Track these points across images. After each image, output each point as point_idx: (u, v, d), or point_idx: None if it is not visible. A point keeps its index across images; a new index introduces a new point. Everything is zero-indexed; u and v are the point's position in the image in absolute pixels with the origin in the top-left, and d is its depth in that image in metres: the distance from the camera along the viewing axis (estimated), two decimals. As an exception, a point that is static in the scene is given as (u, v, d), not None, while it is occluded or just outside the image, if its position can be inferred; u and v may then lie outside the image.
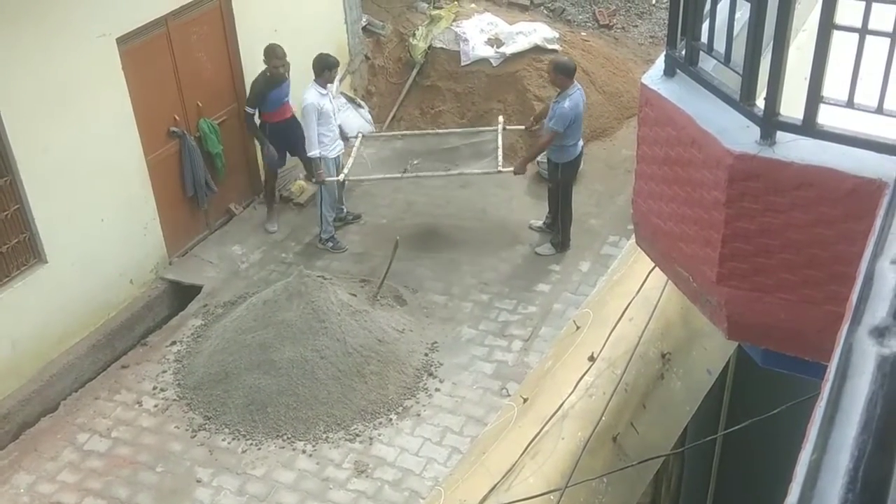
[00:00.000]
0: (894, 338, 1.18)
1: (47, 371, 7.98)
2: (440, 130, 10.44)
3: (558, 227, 9.23)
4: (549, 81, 9.15)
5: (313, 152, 9.05)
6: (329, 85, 9.14)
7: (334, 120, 9.23)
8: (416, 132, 10.55)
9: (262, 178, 9.96)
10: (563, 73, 8.60)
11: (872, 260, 1.36)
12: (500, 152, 9.35)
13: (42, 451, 7.47)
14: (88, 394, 8.02)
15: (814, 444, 1.13)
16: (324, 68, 8.97)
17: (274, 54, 9.10)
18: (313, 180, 9.49)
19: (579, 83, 8.86)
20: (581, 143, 9.03)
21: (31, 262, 7.84)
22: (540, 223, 9.54)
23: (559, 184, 9.04)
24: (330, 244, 9.47)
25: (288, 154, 9.69)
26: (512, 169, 9.15)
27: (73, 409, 7.87)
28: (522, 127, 9.84)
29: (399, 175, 9.52)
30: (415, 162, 9.64)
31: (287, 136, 9.43)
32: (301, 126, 9.14)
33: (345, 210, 9.85)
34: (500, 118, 10.03)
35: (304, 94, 8.98)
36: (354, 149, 9.82)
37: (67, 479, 7.23)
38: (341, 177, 9.39)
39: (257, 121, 9.42)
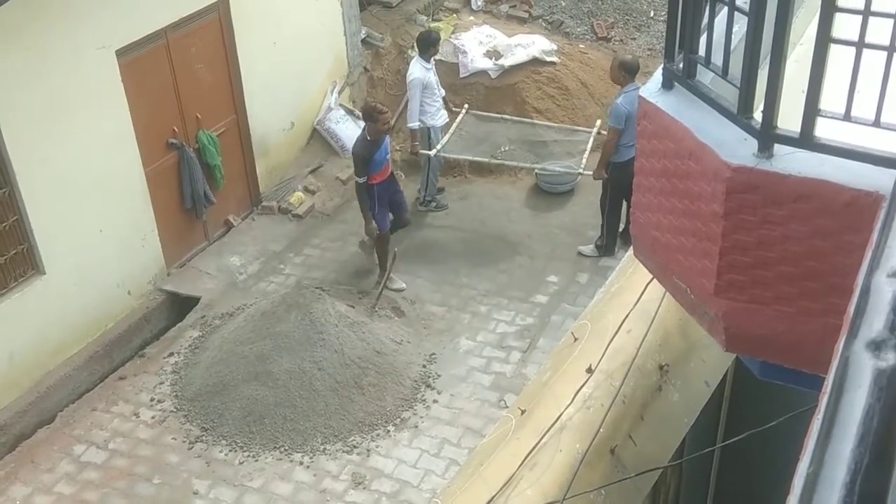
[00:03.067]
0: (891, 351, 1.19)
1: (44, 382, 7.97)
2: (541, 122, 10.54)
3: (603, 230, 9.20)
4: (611, 77, 9.09)
5: (413, 123, 9.60)
6: (433, 59, 9.69)
7: (438, 91, 9.75)
8: (519, 119, 10.60)
9: (375, 250, 9.16)
10: (625, 70, 8.64)
11: (869, 273, 1.37)
12: (586, 154, 9.41)
13: (39, 463, 7.45)
14: (86, 405, 8.00)
15: (811, 457, 1.13)
16: (429, 45, 9.58)
17: (375, 113, 8.51)
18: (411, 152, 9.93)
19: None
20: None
21: (29, 274, 7.84)
22: (590, 248, 9.41)
23: (607, 185, 8.95)
24: (433, 204, 10.01)
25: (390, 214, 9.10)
26: (591, 173, 9.18)
27: (70, 420, 7.85)
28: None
29: (488, 159, 9.87)
30: (504, 149, 9.89)
31: (392, 192, 9.02)
32: (398, 182, 9.27)
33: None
34: (598, 121, 10.01)
35: (410, 69, 9.68)
36: (455, 124, 10.06)
37: (64, 491, 7.20)
38: (433, 152, 9.71)
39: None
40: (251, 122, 9.90)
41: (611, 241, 9.24)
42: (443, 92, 9.99)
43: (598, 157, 9.06)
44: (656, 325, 4.47)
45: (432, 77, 9.67)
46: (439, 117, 9.85)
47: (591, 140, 9.58)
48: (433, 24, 11.64)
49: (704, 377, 4.75)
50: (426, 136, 9.76)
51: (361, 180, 8.64)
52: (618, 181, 8.74)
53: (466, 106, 10.33)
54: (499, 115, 10.62)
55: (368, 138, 8.55)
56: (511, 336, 8.48)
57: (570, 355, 4.61)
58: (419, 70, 9.57)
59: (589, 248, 9.35)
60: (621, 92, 8.70)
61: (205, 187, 9.30)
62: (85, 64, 7.86)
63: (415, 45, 9.74)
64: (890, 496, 1.02)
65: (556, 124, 10.42)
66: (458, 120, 10.08)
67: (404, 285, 9.05)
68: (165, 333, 8.81)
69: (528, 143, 9.76)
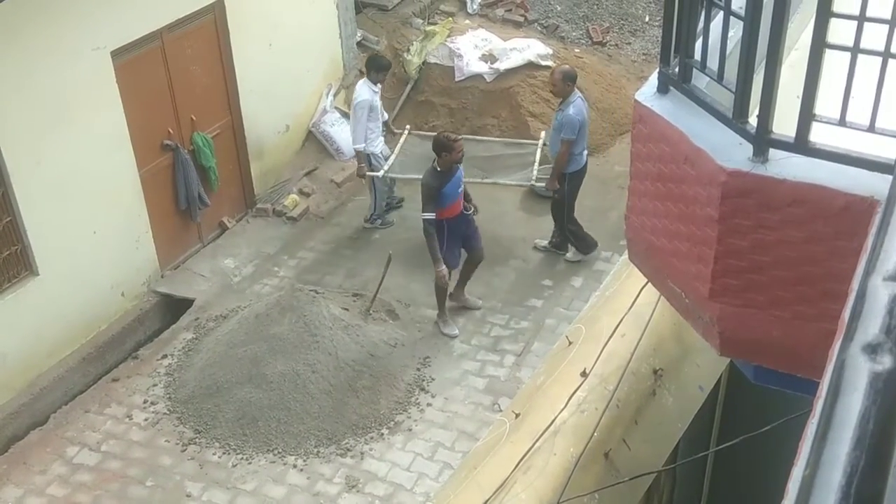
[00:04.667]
0: (887, 354, 1.19)
1: (37, 384, 7.95)
2: (484, 137, 10.49)
3: (570, 238, 9.20)
4: (555, 91, 8.95)
5: (358, 145, 9.43)
6: (379, 84, 9.50)
7: (381, 116, 9.63)
8: (463, 136, 10.58)
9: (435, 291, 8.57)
10: (570, 80, 8.65)
11: (865, 277, 1.37)
12: (536, 166, 9.41)
13: (31, 465, 7.43)
14: (78, 407, 7.98)
15: (806, 461, 1.13)
16: (378, 68, 9.40)
17: (449, 143, 8.00)
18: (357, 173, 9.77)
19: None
20: (586, 152, 9.03)
21: (23, 275, 7.82)
22: (545, 243, 9.46)
23: (564, 195, 8.97)
24: (378, 221, 9.93)
25: (461, 252, 8.57)
26: (544, 184, 9.21)
27: (63, 422, 7.83)
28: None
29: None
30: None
31: (463, 228, 8.41)
32: (473, 220, 8.59)
33: (396, 198, 10.25)
34: (543, 133, 10.04)
35: (357, 91, 9.41)
36: (399, 145, 9.94)
37: (56, 493, 7.18)
38: (381, 173, 9.59)
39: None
40: (246, 124, 9.89)
41: (583, 238, 9.26)
42: (385, 116, 9.81)
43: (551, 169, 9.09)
44: (650, 330, 4.47)
45: (377, 101, 9.44)
46: (378, 143, 9.62)
47: (539, 151, 9.60)
48: (429, 28, 11.66)
49: (698, 382, 4.75)
50: (377, 160, 9.61)
51: (430, 216, 7.97)
52: (574, 190, 8.97)
53: (408, 127, 10.20)
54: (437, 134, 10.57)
55: (439, 169, 7.96)
56: (505, 339, 8.48)
57: (565, 359, 4.62)
58: (367, 92, 9.30)
59: (573, 254, 9.35)
60: (567, 103, 8.62)
61: (199, 189, 9.29)
62: (80, 65, 7.85)
63: (364, 67, 9.46)
64: (886, 499, 1.02)
65: (500, 139, 10.40)
66: (401, 141, 9.96)
67: (457, 332, 8.55)
68: (159, 335, 8.79)
69: (478, 158, 9.69)
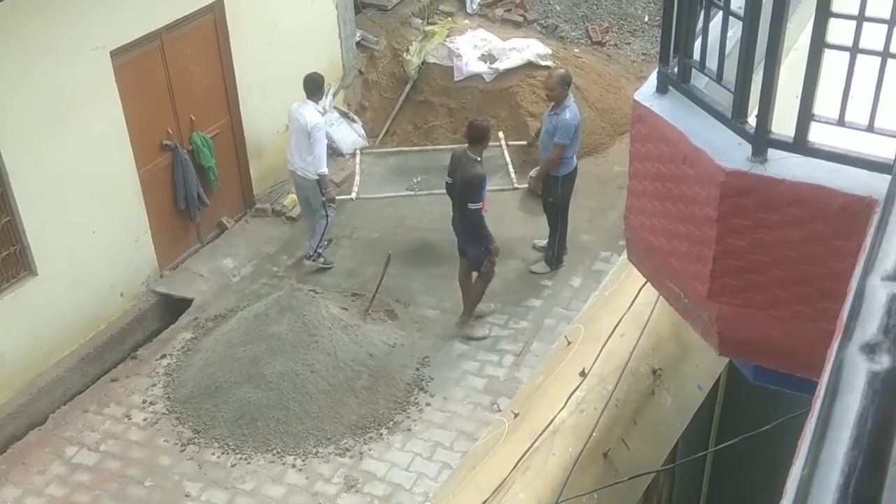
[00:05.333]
0: (885, 354, 1.19)
1: (36, 384, 7.95)
2: (436, 146, 10.46)
3: (554, 243, 9.18)
4: (551, 96, 8.91)
5: (324, 170, 8.86)
6: (320, 102, 9.11)
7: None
8: (414, 148, 10.59)
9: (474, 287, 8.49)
10: (566, 84, 8.66)
11: (864, 276, 1.37)
12: (510, 168, 9.39)
13: (30, 465, 7.43)
14: (77, 407, 7.98)
15: (805, 460, 1.13)
16: (319, 87, 8.95)
17: (488, 128, 8.18)
18: (323, 200, 9.05)
19: (576, 97, 8.92)
20: (576, 155, 9.08)
21: (22, 275, 7.82)
22: (544, 243, 9.43)
23: (559, 198, 8.97)
24: (321, 260, 9.36)
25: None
26: (526, 185, 9.20)
27: (62, 422, 7.83)
28: (524, 143, 9.91)
29: (407, 192, 9.59)
30: (417, 179, 9.71)
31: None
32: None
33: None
34: (500, 133, 10.03)
35: (308, 116, 8.75)
36: (357, 165, 9.85)
37: (55, 493, 7.18)
38: (353, 195, 9.39)
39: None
40: (245, 124, 9.89)
41: (561, 251, 9.23)
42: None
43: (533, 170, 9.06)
44: (649, 330, 4.47)
45: (324, 123, 9.10)
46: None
47: (506, 153, 9.60)
48: (428, 28, 11.66)
49: (697, 381, 4.76)
50: (318, 185, 8.98)
51: (477, 206, 7.92)
52: (568, 192, 8.95)
53: (357, 150, 10.23)
54: (387, 150, 10.58)
55: (479, 158, 7.98)
56: (504, 339, 8.48)
57: (564, 359, 4.62)
58: (317, 114, 8.86)
59: (541, 265, 9.31)
60: (563, 107, 8.59)
61: (198, 189, 9.29)
62: (79, 65, 7.84)
63: (303, 88, 8.91)
64: (884, 499, 1.02)
65: (455, 146, 10.39)
66: (357, 162, 9.94)
67: (487, 333, 8.53)
68: (158, 335, 8.78)
69: (437, 168, 9.68)
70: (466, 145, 8.10)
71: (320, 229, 9.22)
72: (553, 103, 8.79)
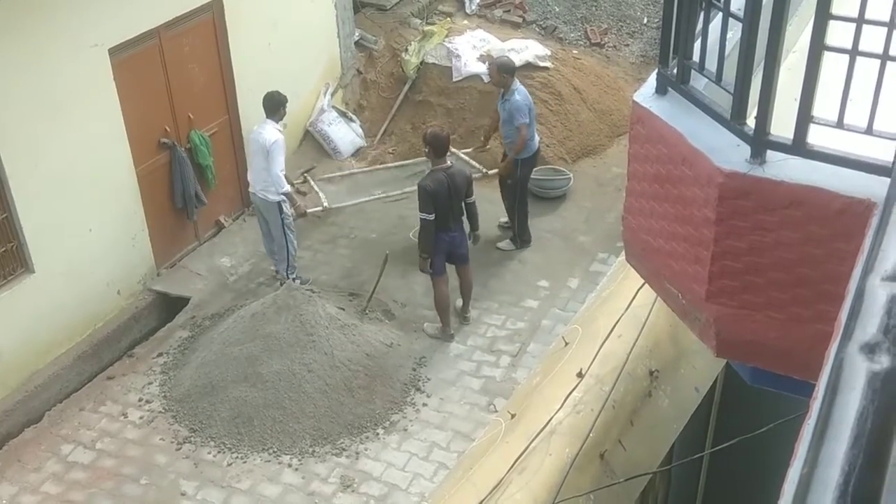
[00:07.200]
0: (884, 354, 1.19)
1: (32, 381, 7.93)
2: (388, 165, 10.80)
3: (515, 223, 9.45)
4: (494, 82, 9.40)
5: (285, 188, 8.60)
6: (280, 121, 8.81)
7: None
8: (366, 168, 10.74)
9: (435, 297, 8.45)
10: (508, 73, 8.96)
11: (863, 277, 1.37)
12: (473, 163, 9.77)
13: (25, 462, 7.41)
14: (73, 405, 7.96)
15: (804, 459, 1.14)
16: (280, 105, 8.68)
17: (446, 138, 8.12)
18: (292, 219, 8.86)
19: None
20: (537, 137, 9.33)
21: (18, 272, 7.80)
22: (504, 220, 9.73)
23: (518, 180, 9.20)
24: (298, 281, 8.89)
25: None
26: (497, 171, 9.43)
27: (58, 420, 7.82)
28: (470, 149, 10.17)
29: (381, 193, 9.86)
30: (380, 193, 10.04)
31: (452, 242, 8.29)
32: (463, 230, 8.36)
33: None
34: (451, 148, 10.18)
35: (267, 134, 8.48)
36: (314, 184, 10.20)
37: (50, 491, 7.17)
38: (324, 204, 9.50)
39: None
40: (243, 122, 9.87)
41: (523, 230, 9.49)
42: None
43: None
44: (647, 331, 4.48)
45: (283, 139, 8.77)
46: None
47: (462, 155, 9.89)
48: (427, 28, 11.66)
49: (694, 383, 4.76)
50: (279, 207, 8.73)
51: (423, 216, 7.93)
52: (527, 174, 9.28)
53: (302, 172, 10.43)
54: (345, 173, 10.65)
55: (435, 168, 7.98)
56: (501, 340, 8.48)
57: (561, 360, 4.62)
58: (276, 132, 8.56)
59: (506, 243, 9.57)
60: (511, 91, 8.88)
61: (196, 187, 9.28)
62: (77, 62, 7.83)
63: (264, 107, 8.65)
64: (883, 498, 1.02)
65: (405, 161, 10.61)
66: (313, 181, 10.25)
67: (436, 333, 8.48)
68: (155, 334, 8.77)
69: (401, 179, 9.87)
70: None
71: (285, 255, 8.92)
72: (502, 91, 9.07)
